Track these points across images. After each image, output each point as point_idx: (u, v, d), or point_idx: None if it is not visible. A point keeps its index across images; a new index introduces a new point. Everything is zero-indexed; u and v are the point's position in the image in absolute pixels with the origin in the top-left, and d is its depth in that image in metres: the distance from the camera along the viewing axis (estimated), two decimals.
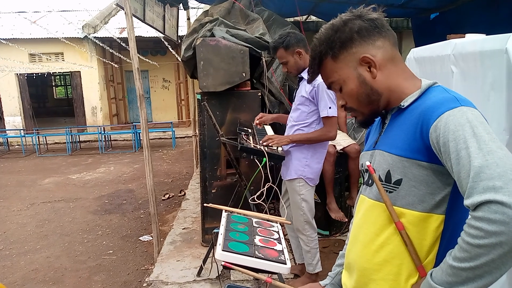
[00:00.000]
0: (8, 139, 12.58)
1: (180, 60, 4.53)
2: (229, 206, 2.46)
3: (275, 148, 2.88)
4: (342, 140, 3.95)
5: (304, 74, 2.86)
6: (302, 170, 2.89)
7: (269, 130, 3.46)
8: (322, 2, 5.75)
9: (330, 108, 2.70)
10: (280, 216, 3.09)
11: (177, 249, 4.07)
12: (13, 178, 8.59)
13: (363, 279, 1.13)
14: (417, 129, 0.98)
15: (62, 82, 24.92)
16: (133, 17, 3.67)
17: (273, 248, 1.74)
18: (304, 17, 7.46)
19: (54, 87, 24.85)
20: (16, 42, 11.69)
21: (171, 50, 10.84)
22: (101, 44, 12.09)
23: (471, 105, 0.95)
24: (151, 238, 4.61)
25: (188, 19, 7.02)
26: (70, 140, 11.64)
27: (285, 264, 1.61)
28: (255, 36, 3.78)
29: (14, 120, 13.84)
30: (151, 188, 3.80)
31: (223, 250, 1.60)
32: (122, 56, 12.13)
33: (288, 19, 5.97)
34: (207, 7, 5.58)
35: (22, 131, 12.64)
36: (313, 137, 2.81)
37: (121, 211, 5.99)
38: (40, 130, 12.41)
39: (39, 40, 12.77)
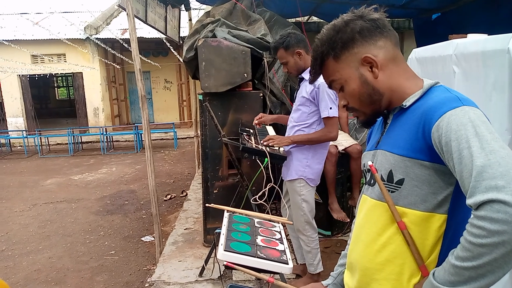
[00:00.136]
0: (11, 140, 12.62)
1: (181, 61, 4.54)
2: (231, 207, 2.46)
3: (277, 148, 2.88)
4: (344, 141, 3.95)
5: (305, 75, 2.87)
6: (303, 171, 2.89)
7: (270, 130, 3.46)
8: (324, 3, 5.76)
9: (331, 108, 2.70)
10: (281, 216, 3.09)
11: (179, 250, 4.07)
12: (15, 179, 8.61)
13: (365, 278, 1.13)
14: (419, 129, 0.98)
15: (64, 83, 24.97)
16: (135, 18, 3.68)
17: (275, 248, 1.73)
18: (306, 18, 7.46)
19: (56, 88, 24.90)
20: (19, 43, 11.73)
21: (173, 51, 10.84)
22: (103, 45, 12.11)
23: (473, 104, 0.95)
24: (153, 239, 4.62)
25: (190, 20, 7.03)
26: (72, 141, 11.66)
27: (287, 264, 1.61)
28: (257, 37, 3.78)
29: (17, 121, 13.88)
30: (153, 189, 3.81)
31: (225, 250, 1.59)
32: (124, 57, 12.15)
33: (289, 20, 5.98)
34: (208, 8, 5.59)
35: (24, 132, 12.66)
36: (314, 137, 2.81)
37: (123, 212, 5.99)
38: (42, 131, 12.44)
39: (41, 41, 12.80)
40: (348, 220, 3.83)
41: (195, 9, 8.84)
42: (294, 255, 3.33)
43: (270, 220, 2.10)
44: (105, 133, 11.98)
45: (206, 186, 3.89)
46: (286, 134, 2.98)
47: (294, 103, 3.00)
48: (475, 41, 2.12)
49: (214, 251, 3.14)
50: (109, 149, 11.81)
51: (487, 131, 0.87)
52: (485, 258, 0.80)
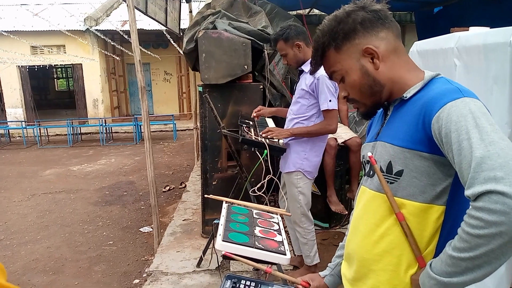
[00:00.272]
0: (10, 130, 12.61)
1: (181, 53, 4.52)
2: (230, 198, 2.46)
3: (276, 140, 2.88)
4: (344, 133, 3.95)
5: (305, 67, 2.86)
6: (301, 163, 2.89)
7: (270, 122, 3.46)
8: None
9: (330, 101, 2.69)
10: (279, 208, 3.10)
11: (177, 240, 4.08)
12: (14, 169, 8.62)
13: (362, 269, 1.14)
14: (419, 120, 0.98)
15: (64, 75, 24.89)
16: (135, 9, 3.65)
17: (273, 239, 1.74)
18: (307, 10, 7.43)
19: (55, 80, 24.84)
20: (18, 34, 11.67)
21: (173, 43, 10.81)
22: (102, 37, 12.06)
23: (474, 96, 0.94)
24: (151, 229, 4.63)
25: (190, 12, 6.99)
26: (71, 132, 11.66)
27: (285, 255, 1.61)
28: (258, 29, 3.77)
29: (16, 112, 13.85)
30: (152, 180, 3.81)
31: (223, 241, 1.60)
32: (123, 49, 12.11)
33: (290, 12, 5.95)
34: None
35: (23, 122, 12.64)
36: (313, 130, 2.80)
37: (122, 203, 6.01)
38: (42, 122, 12.42)
39: (41, 32, 12.74)
40: (346, 212, 3.83)
41: (196, 1, 8.82)
42: (292, 246, 3.34)
43: (268, 212, 2.10)
44: (104, 124, 11.97)
45: (205, 177, 3.90)
46: (285, 127, 2.98)
47: (293, 96, 2.99)
48: (477, 34, 2.11)
49: (212, 242, 3.15)
50: (108, 141, 11.80)
51: (487, 123, 0.87)
52: (482, 249, 0.80)
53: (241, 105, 3.72)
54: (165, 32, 10.19)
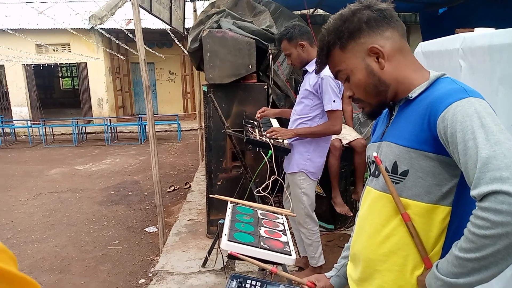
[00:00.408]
0: (15, 129, 12.67)
1: (186, 52, 4.53)
2: (235, 198, 2.47)
3: (281, 140, 2.88)
4: (348, 134, 3.94)
5: (309, 67, 2.86)
6: (304, 164, 2.89)
7: (274, 123, 3.46)
8: None
9: (334, 101, 2.69)
10: (284, 208, 3.10)
11: (182, 240, 4.10)
12: (20, 168, 8.66)
13: (368, 270, 1.14)
14: (424, 120, 0.98)
15: (69, 73, 24.97)
16: (140, 8, 3.67)
17: (278, 240, 1.74)
18: (311, 10, 7.42)
19: (60, 78, 24.93)
20: (23, 33, 11.72)
21: (177, 42, 10.82)
22: (107, 35, 12.10)
23: (480, 96, 0.94)
24: (157, 229, 4.65)
25: (195, 11, 7.01)
26: (77, 131, 11.70)
27: (290, 255, 1.61)
28: (262, 28, 3.77)
29: (21, 110, 13.91)
30: (157, 180, 3.82)
31: (228, 240, 1.60)
32: (128, 48, 12.14)
33: (295, 12, 5.95)
34: None
35: (29, 121, 12.71)
36: (317, 131, 2.80)
37: (127, 202, 6.03)
38: (47, 121, 12.48)
39: (46, 30, 12.79)
40: (351, 214, 3.83)
41: (200, 0, 8.81)
42: (297, 247, 3.34)
43: (273, 212, 2.10)
44: (109, 124, 12.00)
45: (209, 177, 3.91)
46: (289, 127, 2.98)
47: (297, 96, 2.99)
48: (482, 35, 2.11)
49: (217, 242, 3.16)
50: (113, 140, 11.84)
51: (493, 123, 0.87)
52: (488, 249, 0.80)
53: (246, 105, 3.73)
54: (169, 32, 10.20)
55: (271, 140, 2.78)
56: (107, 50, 13.50)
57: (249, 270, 3.28)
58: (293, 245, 1.72)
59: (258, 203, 2.69)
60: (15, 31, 11.06)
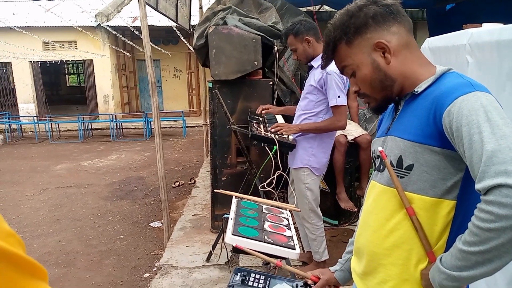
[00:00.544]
0: (22, 125, 12.75)
1: (191, 49, 4.54)
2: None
3: (286, 136, 2.88)
4: (354, 130, 3.94)
5: (314, 63, 2.86)
6: (308, 160, 2.89)
7: (279, 118, 3.46)
8: None
9: (339, 97, 2.69)
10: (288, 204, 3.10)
11: (186, 235, 4.11)
12: (26, 163, 8.72)
13: (372, 263, 1.14)
14: (430, 114, 0.98)
15: (75, 70, 25.08)
16: (146, 5, 3.68)
17: (282, 234, 1.75)
18: (317, 7, 7.40)
19: (67, 75, 25.03)
20: (30, 30, 11.78)
21: (183, 39, 10.84)
22: (113, 32, 12.14)
23: (486, 90, 0.94)
24: (161, 224, 4.66)
25: (201, 8, 7.00)
26: (82, 128, 11.76)
27: (294, 249, 1.62)
28: (268, 25, 3.76)
29: (28, 107, 14.00)
30: (162, 175, 3.84)
31: (233, 234, 1.61)
32: (134, 45, 12.17)
33: (301, 9, 5.93)
34: None
35: (35, 118, 12.78)
36: (322, 126, 2.80)
37: (132, 198, 6.06)
38: (53, 117, 12.54)
39: (53, 28, 12.85)
40: (356, 209, 3.83)
41: None
42: (301, 242, 3.34)
43: (277, 207, 2.11)
44: (115, 120, 12.05)
45: (214, 173, 3.91)
46: (293, 122, 2.99)
47: (302, 91, 2.99)
48: (490, 30, 2.09)
49: (221, 236, 3.17)
50: (119, 136, 11.89)
51: (499, 117, 0.86)
52: (492, 243, 0.80)
53: (251, 101, 3.73)
54: (175, 29, 10.21)
55: (276, 136, 2.78)
56: (113, 47, 13.55)
57: (253, 264, 3.29)
58: (297, 239, 1.73)
59: (263, 198, 2.70)
60: (22, 29, 11.13)
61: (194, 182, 6.34)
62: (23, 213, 5.54)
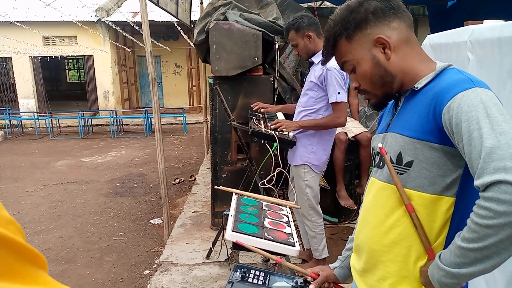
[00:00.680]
0: (22, 121, 12.75)
1: (192, 45, 4.52)
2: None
3: (286, 133, 2.88)
4: (354, 128, 3.93)
5: (315, 59, 2.85)
6: (308, 157, 2.89)
7: (279, 115, 3.45)
8: None
9: (339, 93, 2.68)
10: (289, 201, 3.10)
11: (187, 232, 4.12)
12: (27, 159, 8.73)
13: (371, 260, 1.14)
14: (430, 110, 0.97)
15: (75, 66, 25.05)
16: (146, 0, 3.66)
17: (282, 231, 1.74)
18: (319, 3, 7.37)
19: (67, 71, 25.01)
20: (30, 25, 11.75)
21: (183, 35, 10.81)
22: (114, 27, 12.10)
23: (486, 86, 0.94)
24: (161, 221, 4.67)
25: (201, 3, 6.99)
26: (83, 124, 11.76)
27: (294, 246, 1.62)
28: (269, 21, 3.75)
29: (28, 102, 14.00)
30: (162, 172, 3.84)
31: (233, 231, 1.61)
32: (135, 40, 12.14)
33: (302, 5, 5.91)
34: None
35: (35, 113, 12.77)
36: (322, 123, 2.79)
37: (132, 194, 6.06)
38: (53, 113, 12.54)
39: (53, 23, 12.82)
40: (356, 207, 3.83)
41: None
42: (301, 240, 3.35)
43: (277, 204, 2.10)
44: (115, 116, 12.05)
45: (214, 170, 3.91)
46: (294, 119, 2.98)
47: (303, 88, 2.99)
48: (492, 27, 2.08)
49: (221, 234, 3.17)
50: (119, 133, 11.89)
51: (498, 113, 0.86)
52: (490, 239, 0.80)
53: (251, 98, 3.72)
54: (175, 24, 10.19)
55: (276, 133, 2.77)
56: (114, 42, 13.53)
57: (253, 262, 3.30)
58: (297, 237, 1.73)
59: (263, 195, 2.70)
60: (22, 24, 11.10)
61: (194, 179, 6.34)
62: (24, 209, 5.55)
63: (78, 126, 11.70)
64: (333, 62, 1.22)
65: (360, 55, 1.10)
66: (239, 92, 3.72)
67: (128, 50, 13.78)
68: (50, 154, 9.25)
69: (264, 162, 3.01)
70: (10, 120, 12.31)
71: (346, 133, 3.79)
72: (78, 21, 11.85)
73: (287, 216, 1.98)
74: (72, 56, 16.58)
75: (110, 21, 12.62)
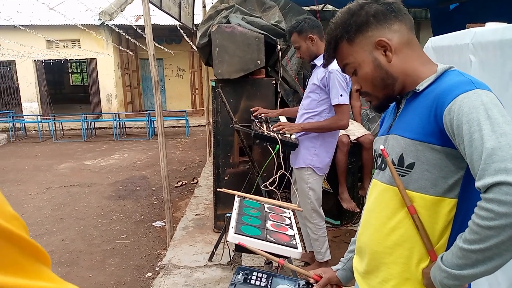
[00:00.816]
0: (26, 124, 12.80)
1: (195, 48, 4.54)
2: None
3: (288, 135, 2.88)
4: (356, 130, 3.93)
5: (317, 61, 2.86)
6: (311, 159, 2.89)
7: (282, 117, 3.46)
8: None
9: (341, 95, 2.68)
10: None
11: (189, 235, 4.12)
12: (30, 162, 8.75)
13: (374, 262, 1.14)
14: (431, 112, 0.98)
15: (79, 69, 25.13)
16: (149, 4, 3.68)
17: (284, 233, 1.75)
18: (321, 6, 7.38)
19: (70, 74, 25.09)
20: (34, 29, 11.81)
21: (186, 38, 10.83)
22: (117, 30, 12.16)
23: (486, 88, 0.94)
24: (164, 224, 4.67)
25: (204, 7, 7.01)
26: (86, 127, 11.79)
27: (297, 248, 1.62)
28: (271, 24, 3.76)
29: (32, 105, 14.05)
30: (165, 175, 3.84)
31: (235, 233, 1.61)
32: (138, 43, 12.19)
33: (304, 8, 5.93)
34: None
35: (39, 116, 12.81)
36: (324, 125, 2.80)
37: (135, 197, 6.07)
38: (57, 116, 12.58)
39: (57, 26, 12.87)
40: (358, 210, 3.82)
41: None
42: (303, 242, 3.34)
43: (280, 206, 2.11)
44: (118, 119, 12.07)
45: (217, 172, 3.92)
46: (296, 122, 2.98)
47: (305, 90, 2.99)
48: (494, 29, 2.08)
49: (224, 236, 3.17)
50: (122, 135, 11.91)
51: (499, 114, 0.86)
52: (492, 240, 0.80)
53: (254, 100, 3.73)
54: (178, 27, 10.21)
55: (279, 135, 2.78)
56: (117, 46, 13.57)
57: (255, 264, 3.30)
58: (300, 239, 1.73)
59: (265, 198, 2.70)
60: (26, 27, 11.14)
61: (197, 181, 6.35)
62: (27, 211, 5.56)
63: (81, 129, 11.73)
64: (335, 65, 1.22)
65: (361, 57, 1.10)
66: (241, 95, 3.73)
67: (131, 53, 13.84)
68: (53, 157, 9.27)
69: (266, 165, 3.02)
70: (13, 123, 12.36)
71: (348, 135, 3.79)
72: (82, 24, 11.91)
73: (289, 218, 1.98)
74: (75, 59, 16.65)
75: (113, 24, 12.68)
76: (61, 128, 12.25)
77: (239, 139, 3.31)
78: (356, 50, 1.11)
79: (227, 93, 3.53)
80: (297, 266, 3.23)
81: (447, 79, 1.00)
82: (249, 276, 1.41)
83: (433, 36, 3.04)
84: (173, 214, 4.50)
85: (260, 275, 1.43)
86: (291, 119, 3.21)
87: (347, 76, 2.63)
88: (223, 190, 2.19)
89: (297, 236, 1.74)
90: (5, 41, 11.46)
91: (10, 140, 11.68)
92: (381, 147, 1.12)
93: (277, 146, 2.71)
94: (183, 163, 8.21)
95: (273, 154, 2.76)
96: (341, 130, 3.12)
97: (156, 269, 3.69)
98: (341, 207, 3.88)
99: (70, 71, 24.73)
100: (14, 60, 13.46)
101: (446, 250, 0.99)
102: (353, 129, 3.86)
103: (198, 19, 7.51)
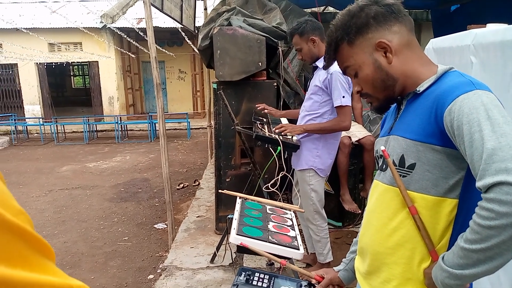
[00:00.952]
0: (28, 127, 12.83)
1: (196, 51, 4.55)
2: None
3: (290, 137, 2.88)
4: (358, 132, 3.93)
5: (319, 63, 2.86)
6: (313, 161, 2.89)
7: (283, 119, 3.46)
8: None
9: (343, 97, 2.69)
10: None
11: (191, 236, 4.12)
12: (32, 165, 8.77)
13: (375, 263, 1.14)
14: (431, 113, 0.98)
15: (80, 72, 25.19)
16: (151, 6, 3.69)
17: (286, 234, 1.75)
18: (322, 8, 7.40)
19: (72, 77, 25.15)
20: (36, 32, 11.84)
21: (188, 41, 10.86)
22: (119, 33, 12.19)
23: (487, 88, 0.94)
24: (166, 226, 4.68)
25: (205, 9, 7.03)
26: (87, 129, 11.81)
27: (298, 249, 1.62)
28: (272, 26, 3.78)
29: (33, 108, 14.09)
30: (166, 176, 3.85)
31: (237, 234, 1.62)
32: (139, 46, 12.22)
33: (305, 10, 5.94)
34: None
35: (41, 119, 12.85)
36: (326, 127, 2.80)
37: (137, 199, 6.08)
38: (59, 119, 12.62)
39: (59, 29, 12.93)
40: (360, 211, 3.82)
41: None
42: (305, 244, 3.34)
43: (281, 208, 2.11)
44: (119, 122, 12.09)
45: (218, 174, 3.92)
46: (298, 123, 2.99)
47: (307, 92, 3.00)
48: (495, 30, 2.09)
49: (226, 238, 3.17)
50: (124, 138, 11.93)
51: (500, 115, 0.87)
52: (493, 240, 0.80)
53: (255, 102, 3.72)
54: (180, 30, 10.24)
55: (280, 137, 2.78)
56: (118, 48, 13.61)
57: (257, 266, 3.29)
58: (301, 240, 1.73)
59: (267, 199, 2.70)
60: (28, 30, 11.18)
61: (198, 183, 6.35)
62: (29, 214, 5.39)
63: (83, 131, 11.76)
64: (337, 67, 1.23)
65: (361, 59, 1.11)
66: (243, 97, 3.74)
67: (133, 56, 13.87)
68: (55, 159, 9.29)
69: (268, 166, 3.02)
70: (15, 126, 12.40)
71: (350, 137, 3.80)
72: (83, 27, 11.94)
73: (291, 219, 1.98)
74: (77, 62, 16.68)
75: (115, 27, 12.70)
76: (63, 131, 12.28)
77: (240, 141, 3.31)
78: (356, 52, 1.11)
79: (228, 95, 3.54)
80: (299, 267, 3.23)
81: (447, 80, 1.01)
82: (251, 277, 1.41)
83: (434, 37, 3.04)
84: (174, 216, 4.51)
85: (262, 276, 1.43)
86: (292, 121, 3.21)
87: (349, 78, 2.64)
88: (225, 191, 2.20)
89: (299, 237, 1.74)
90: (7, 44, 11.50)
91: (12, 143, 11.71)
92: (382, 148, 1.12)
93: (279, 147, 2.71)
94: (185, 165, 8.22)
95: (275, 155, 2.76)
96: (342, 132, 3.13)
97: (158, 271, 3.69)
98: (342, 208, 3.88)
99: (72, 74, 24.79)
100: (16, 63, 13.52)
101: (447, 250, 0.99)
102: (354, 130, 3.87)
103: (199, 22, 7.53)
